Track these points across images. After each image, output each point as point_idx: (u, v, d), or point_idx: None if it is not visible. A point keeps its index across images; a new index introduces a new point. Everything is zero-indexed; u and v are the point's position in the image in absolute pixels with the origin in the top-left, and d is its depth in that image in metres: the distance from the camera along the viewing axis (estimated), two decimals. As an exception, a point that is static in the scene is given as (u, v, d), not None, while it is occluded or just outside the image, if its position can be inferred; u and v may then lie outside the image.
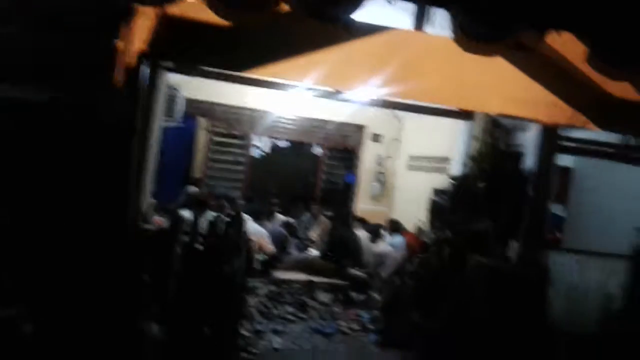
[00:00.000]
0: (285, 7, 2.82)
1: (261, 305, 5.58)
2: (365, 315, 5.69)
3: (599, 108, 4.31)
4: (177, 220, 4.07)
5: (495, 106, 4.35)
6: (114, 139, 3.51)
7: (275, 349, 4.55)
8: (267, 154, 9.81)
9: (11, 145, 3.43)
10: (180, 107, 6.17)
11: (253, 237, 6.06)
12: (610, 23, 3.22)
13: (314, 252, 7.41)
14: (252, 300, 5.65)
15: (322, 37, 3.48)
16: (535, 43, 3.45)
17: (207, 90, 8.18)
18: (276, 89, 5.43)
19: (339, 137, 9.47)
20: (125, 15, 3.45)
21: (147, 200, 4.72)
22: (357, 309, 5.92)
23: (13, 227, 3.37)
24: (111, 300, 3.44)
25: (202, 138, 8.98)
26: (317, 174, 9.65)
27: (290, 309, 5.62)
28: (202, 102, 8.54)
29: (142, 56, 3.53)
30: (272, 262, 6.68)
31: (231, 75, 4.87)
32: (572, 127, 4.24)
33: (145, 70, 3.61)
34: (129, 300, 3.54)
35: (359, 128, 9.42)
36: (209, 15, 2.88)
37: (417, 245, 5.59)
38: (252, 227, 6.41)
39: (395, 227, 6.96)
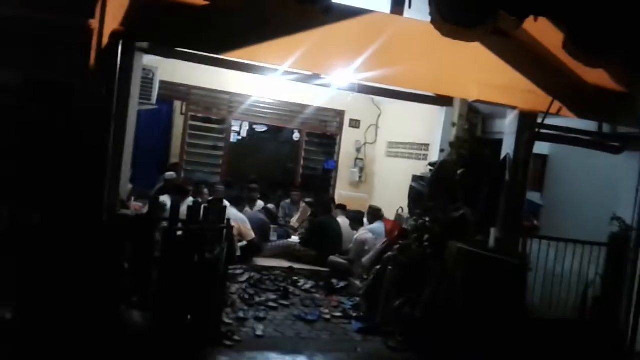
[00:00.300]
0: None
1: (243, 292, 5.56)
2: (347, 302, 5.73)
3: (575, 95, 4.38)
4: (156, 206, 4.00)
5: (473, 92, 4.38)
6: (89, 121, 3.42)
7: (258, 336, 4.54)
8: (246, 138, 9.72)
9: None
10: (156, 90, 6.05)
11: (233, 224, 6.00)
12: (587, 10, 3.25)
13: (294, 238, 7.41)
14: (233, 287, 5.62)
15: (301, 19, 3.44)
16: (513, 29, 3.47)
17: (184, 73, 8.03)
18: (254, 72, 5.37)
19: (318, 123, 9.43)
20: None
21: (125, 185, 4.62)
22: (338, 295, 5.95)
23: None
24: (90, 288, 3.39)
25: (179, 122, 8.82)
26: (296, 159, 9.60)
27: (272, 296, 5.61)
28: (179, 85, 8.38)
29: (117, 36, 3.43)
30: (253, 248, 6.65)
31: (208, 57, 4.79)
32: (548, 114, 4.28)
33: (120, 51, 3.51)
34: (109, 288, 3.49)
35: (338, 113, 9.39)
36: (186, -5, 2.81)
37: (397, 232, 5.62)
38: (232, 213, 6.35)
39: (375, 213, 6.98)
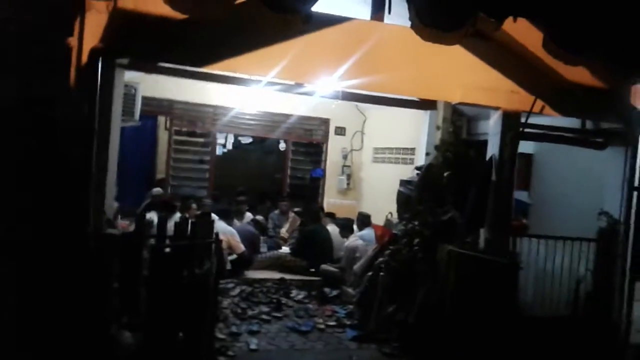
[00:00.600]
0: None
1: (235, 306, 5.49)
2: (340, 310, 5.69)
3: (557, 94, 4.43)
4: (142, 223, 3.94)
5: (455, 95, 4.40)
6: (71, 140, 3.36)
7: (252, 350, 4.49)
8: (231, 151, 9.68)
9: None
10: (139, 106, 5.99)
11: (222, 237, 5.94)
12: (565, 9, 3.29)
13: (285, 249, 7.36)
14: (225, 302, 5.55)
15: (281, 29, 3.43)
16: (493, 31, 3.49)
17: (167, 88, 7.99)
18: (237, 84, 5.35)
19: (304, 132, 9.42)
20: (77, 11, 3.31)
21: (111, 204, 4.55)
22: (332, 304, 5.91)
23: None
24: (79, 310, 3.31)
25: (163, 137, 8.76)
26: (283, 169, 9.58)
27: (265, 309, 5.55)
28: (162, 100, 8.32)
29: (97, 53, 3.39)
30: (244, 261, 6.59)
31: (191, 71, 4.76)
32: (531, 113, 4.32)
33: (100, 67, 3.46)
34: (98, 309, 3.42)
35: (324, 122, 9.40)
36: (163, 9, 2.79)
37: (387, 237, 5.61)
38: (220, 226, 6.29)
39: (364, 220, 6.97)
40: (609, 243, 4.72)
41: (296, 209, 8.13)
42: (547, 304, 4.81)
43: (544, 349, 4.20)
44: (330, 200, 9.33)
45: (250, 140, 9.95)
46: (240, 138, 9.72)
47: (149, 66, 4.87)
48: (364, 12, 4.08)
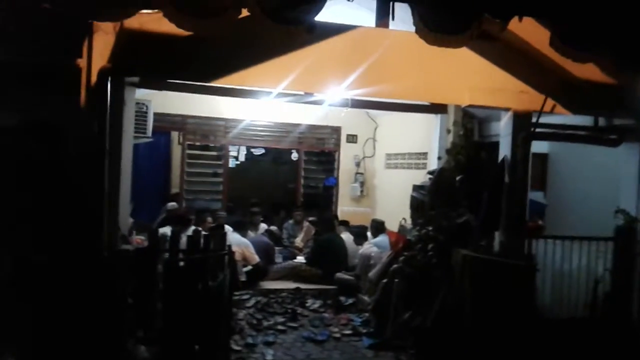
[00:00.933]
0: (245, 12, 2.78)
1: (251, 318, 5.49)
2: (356, 318, 5.65)
3: (568, 92, 4.37)
4: (156, 238, 3.98)
5: (465, 97, 4.38)
6: (83, 160, 3.42)
7: (268, 361, 4.49)
8: (244, 162, 9.74)
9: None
10: (151, 123, 6.08)
11: (237, 249, 5.97)
12: (571, 6, 3.26)
13: (299, 258, 7.35)
14: (241, 313, 5.56)
15: (286, 40, 3.46)
16: (499, 31, 3.48)
17: (179, 103, 8.09)
18: (247, 96, 5.39)
19: (315, 141, 9.45)
20: (84, 33, 3.38)
21: (126, 220, 4.61)
22: (347, 313, 5.88)
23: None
24: (95, 326, 3.35)
25: (177, 152, 8.86)
26: (296, 179, 9.60)
27: (281, 319, 5.54)
28: (174, 115, 8.44)
29: (105, 73, 3.45)
30: (258, 272, 6.60)
31: (201, 86, 4.82)
32: (542, 112, 4.27)
33: (110, 87, 3.53)
34: (114, 325, 3.45)
35: (335, 130, 9.41)
36: (169, 27, 2.83)
37: (401, 243, 5.57)
38: (234, 238, 6.33)
39: (378, 226, 6.93)
40: (627, 241, 4.62)
41: (310, 219, 8.14)
42: (565, 305, 4.72)
43: (563, 351, 4.12)
44: (344, 208, 9.31)
45: (263, 151, 10.01)
46: (252, 150, 9.79)
47: (159, 83, 4.94)
48: (369, 19, 4.10)
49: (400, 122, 8.21)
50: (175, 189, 8.79)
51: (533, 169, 4.92)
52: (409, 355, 4.57)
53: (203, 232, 4.12)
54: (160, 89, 5.35)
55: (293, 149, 9.46)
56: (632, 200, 4.63)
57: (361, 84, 4.04)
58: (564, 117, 4.70)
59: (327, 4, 2.96)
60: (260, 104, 8.00)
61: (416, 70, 4.15)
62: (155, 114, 6.60)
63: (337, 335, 5.17)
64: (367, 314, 5.61)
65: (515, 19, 3.20)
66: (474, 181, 4.82)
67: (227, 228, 6.49)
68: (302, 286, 6.52)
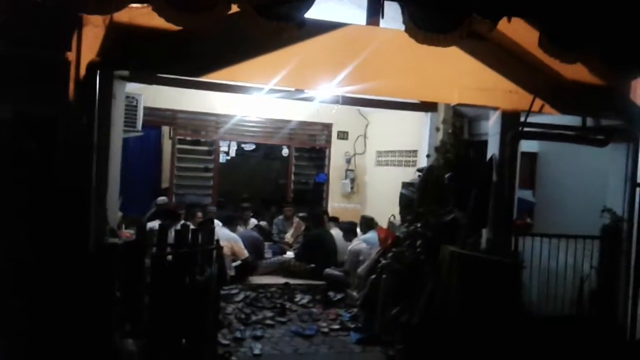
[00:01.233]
0: (235, 8, 2.78)
1: (239, 312, 5.51)
2: (344, 314, 5.69)
3: (556, 92, 4.42)
4: (143, 232, 3.98)
5: (454, 96, 4.40)
6: (70, 153, 3.41)
7: (256, 355, 4.51)
8: (235, 158, 9.73)
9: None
10: (141, 117, 6.05)
11: (226, 243, 5.98)
12: (560, 7, 3.29)
13: (289, 254, 7.37)
14: (229, 308, 5.57)
15: (277, 37, 3.45)
16: (488, 31, 3.50)
17: (170, 98, 8.06)
18: (238, 92, 5.39)
19: (307, 137, 9.46)
20: (74, 26, 3.36)
21: (115, 213, 4.60)
22: (336, 308, 5.92)
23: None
24: (83, 319, 3.34)
25: (167, 147, 8.83)
26: (287, 175, 9.61)
27: (269, 314, 5.57)
28: (164, 110, 8.41)
29: (95, 66, 3.44)
30: (248, 267, 6.61)
31: (191, 81, 4.81)
32: (530, 112, 4.31)
33: (99, 80, 3.51)
34: (102, 318, 3.45)
35: (326, 126, 9.43)
36: (158, 21, 2.82)
37: (390, 240, 5.60)
38: (223, 233, 6.34)
39: (368, 223, 6.97)
40: (613, 240, 4.69)
41: (300, 214, 8.16)
42: (552, 303, 4.78)
43: (548, 348, 4.17)
44: (335, 204, 9.34)
45: (253, 147, 10.00)
46: (243, 145, 9.78)
47: (150, 77, 4.92)
48: (360, 17, 4.11)
49: (391, 120, 8.24)
50: (165, 184, 8.77)
51: (522, 167, 4.96)
52: (396, 350, 4.61)
53: (192, 227, 4.13)
54: (150, 83, 5.32)
55: (284, 145, 9.47)
56: (618, 200, 4.69)
57: (352, 82, 4.05)
58: (552, 117, 4.74)
59: (317, 2, 2.97)
60: (252, 100, 8.00)
61: (406, 68, 4.17)
62: (146, 108, 6.57)
63: (326, 330, 5.21)
64: (355, 310, 5.65)
65: (505, 19, 3.23)
66: (463, 179, 4.86)
67: (217, 223, 6.50)
68: (291, 281, 6.55)
